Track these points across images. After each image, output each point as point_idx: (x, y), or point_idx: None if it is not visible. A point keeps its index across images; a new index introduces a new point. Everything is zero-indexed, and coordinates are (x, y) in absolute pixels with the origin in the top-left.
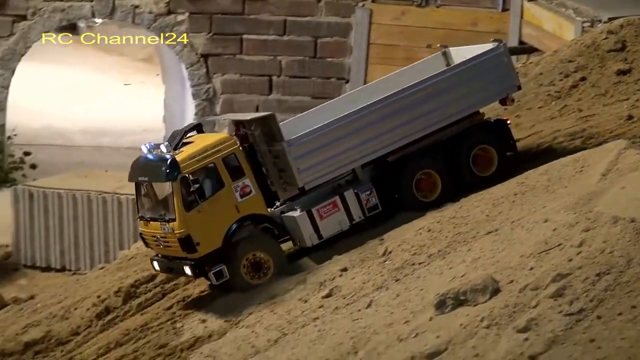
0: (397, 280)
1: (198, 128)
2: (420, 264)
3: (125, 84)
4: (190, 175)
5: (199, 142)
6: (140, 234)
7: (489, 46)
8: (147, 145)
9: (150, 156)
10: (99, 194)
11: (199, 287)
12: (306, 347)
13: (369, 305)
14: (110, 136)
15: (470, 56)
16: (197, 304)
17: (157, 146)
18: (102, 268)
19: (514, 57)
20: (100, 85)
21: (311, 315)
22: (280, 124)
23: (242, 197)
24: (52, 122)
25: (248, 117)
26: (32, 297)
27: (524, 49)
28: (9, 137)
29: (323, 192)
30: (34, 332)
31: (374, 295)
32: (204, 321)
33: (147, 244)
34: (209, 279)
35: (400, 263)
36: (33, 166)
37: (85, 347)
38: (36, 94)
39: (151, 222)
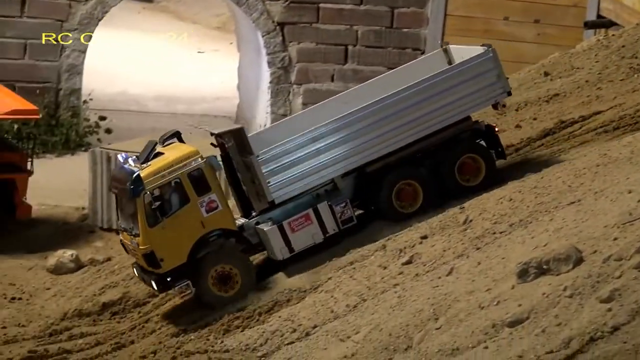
0: (478, 249)
1: (178, 136)
2: (501, 232)
3: (199, 52)
4: (154, 191)
5: (168, 154)
6: (121, 240)
7: (478, 50)
8: (123, 155)
9: (123, 168)
10: None
11: None
12: (386, 313)
13: (449, 273)
14: (183, 103)
15: (467, 57)
16: (276, 268)
17: (128, 159)
18: None
19: (591, 31)
20: (174, 53)
21: (391, 282)
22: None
23: (208, 212)
24: (127, 88)
25: (216, 132)
26: (108, 259)
27: (603, 22)
28: (85, 102)
29: (302, 202)
30: (112, 293)
31: (455, 262)
32: (282, 286)
33: (127, 252)
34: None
35: (481, 231)
36: (108, 131)
37: (162, 309)
38: (111, 59)
39: (124, 233)
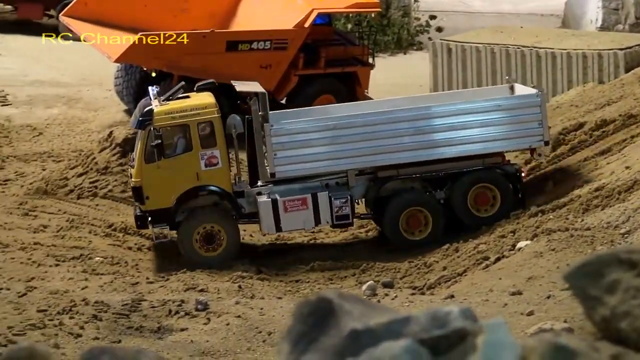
0: None
1: (213, 85)
2: None
3: None
4: (160, 130)
5: (189, 100)
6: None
7: (528, 91)
8: (154, 88)
9: (148, 99)
10: (517, 48)
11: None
12: None
13: None
14: (510, 3)
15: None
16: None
17: (160, 93)
18: None
19: None
20: None
21: None
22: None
23: (206, 166)
24: None
25: (238, 88)
26: None
27: None
28: (415, 0)
29: (310, 186)
30: None
31: None
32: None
33: None
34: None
35: None
36: (439, 29)
37: None
38: None
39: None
